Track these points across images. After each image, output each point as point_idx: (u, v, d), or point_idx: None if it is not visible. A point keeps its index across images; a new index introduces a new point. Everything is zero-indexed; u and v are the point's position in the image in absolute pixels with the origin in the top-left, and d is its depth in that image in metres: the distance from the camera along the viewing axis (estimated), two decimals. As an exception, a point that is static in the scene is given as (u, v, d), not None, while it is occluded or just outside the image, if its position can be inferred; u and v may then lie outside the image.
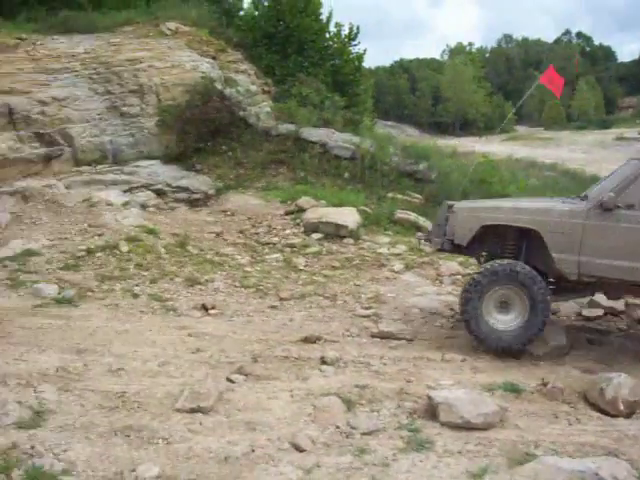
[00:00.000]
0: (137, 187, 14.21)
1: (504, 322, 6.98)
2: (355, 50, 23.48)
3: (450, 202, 7.85)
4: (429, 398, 5.47)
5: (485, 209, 7.45)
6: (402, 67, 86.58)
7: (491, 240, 7.48)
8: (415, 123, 73.41)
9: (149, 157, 15.42)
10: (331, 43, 22.98)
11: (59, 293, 8.45)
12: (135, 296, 8.56)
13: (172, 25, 18.98)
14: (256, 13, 23.62)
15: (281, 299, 8.85)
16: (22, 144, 14.12)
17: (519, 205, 7.42)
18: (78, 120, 15.19)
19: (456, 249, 7.68)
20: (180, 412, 5.24)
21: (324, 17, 23.18)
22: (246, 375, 6.09)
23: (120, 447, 4.69)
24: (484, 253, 7.82)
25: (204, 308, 8.21)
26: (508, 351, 6.91)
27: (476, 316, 6.94)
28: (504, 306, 7.03)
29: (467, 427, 5.14)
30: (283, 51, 21.38)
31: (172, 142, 15.57)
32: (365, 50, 23.49)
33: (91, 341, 6.86)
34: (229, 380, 5.95)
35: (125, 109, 15.82)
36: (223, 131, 15.78)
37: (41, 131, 14.52)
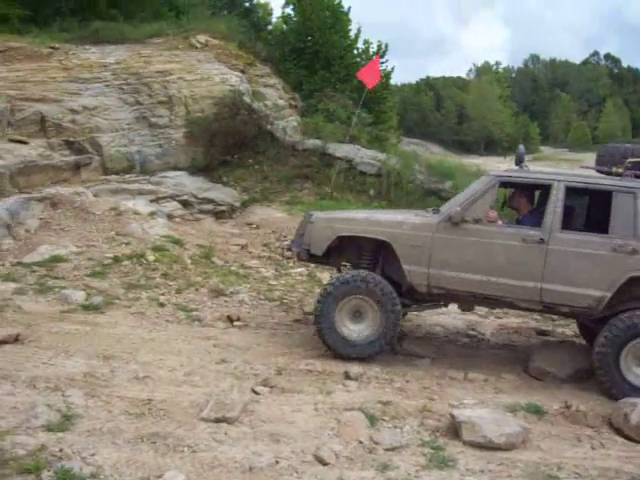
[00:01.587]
0: (163, 197, 14.34)
1: (357, 331, 7.11)
2: (383, 67, 23.64)
3: (311, 211, 7.92)
4: (452, 416, 5.50)
5: (340, 220, 7.48)
6: (428, 85, 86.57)
7: (350, 250, 7.58)
8: (439, 141, 73.26)
9: (176, 168, 15.61)
10: (359, 60, 23.13)
11: (86, 300, 8.53)
12: (161, 305, 8.65)
13: (202, 38, 19.24)
14: (284, 27, 23.87)
15: (305, 313, 8.90)
16: (52, 152, 14.34)
17: (373, 217, 7.44)
18: (107, 129, 15.42)
19: (314, 259, 7.74)
20: (205, 421, 5.30)
21: (353, 34, 23.40)
22: (271, 387, 6.14)
23: (146, 453, 4.75)
24: (345, 263, 7.90)
25: (229, 320, 8.27)
26: (361, 358, 7.02)
27: (328, 325, 7.05)
28: (358, 315, 7.15)
29: (489, 447, 5.16)
30: (311, 66, 21.59)
31: (199, 154, 15.75)
32: (393, 68, 23.70)
33: (118, 348, 6.94)
34: (254, 392, 6.01)
35: (154, 120, 16.04)
36: (250, 144, 15.93)
37: (71, 139, 14.76)
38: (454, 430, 5.40)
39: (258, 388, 6.08)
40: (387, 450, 5.10)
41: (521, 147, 7.57)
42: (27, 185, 13.22)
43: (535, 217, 7.09)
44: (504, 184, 7.35)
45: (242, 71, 18.39)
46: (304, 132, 17.15)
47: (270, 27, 27.43)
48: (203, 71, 17.28)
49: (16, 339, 6.92)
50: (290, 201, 14.93)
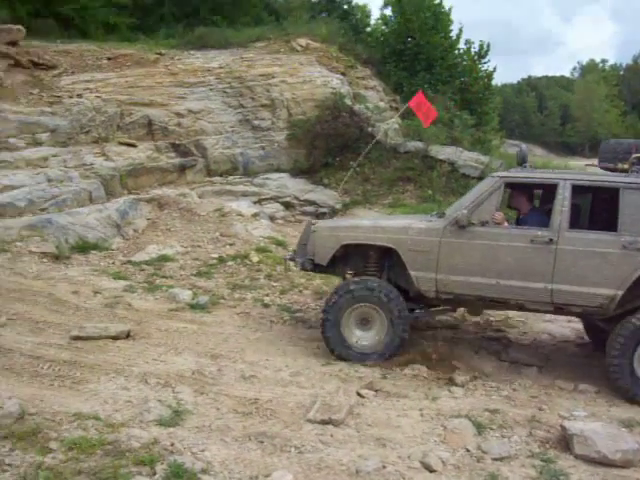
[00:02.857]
0: (266, 199, 14.61)
1: (366, 338, 7.05)
2: (484, 68, 23.23)
3: (314, 221, 7.78)
4: (563, 428, 5.31)
5: (344, 228, 7.41)
6: (530, 85, 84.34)
7: (355, 259, 7.43)
8: (542, 143, 71.23)
9: (278, 170, 15.85)
10: (460, 60, 22.80)
11: (193, 299, 8.75)
12: (265, 306, 8.77)
13: (302, 41, 19.44)
14: (383, 28, 23.80)
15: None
16: (159, 154, 14.85)
17: (377, 224, 7.33)
18: (212, 132, 15.83)
19: (318, 268, 7.58)
20: (311, 422, 5.33)
21: (454, 34, 23.08)
22: (376, 391, 6.12)
23: (254, 452, 4.81)
24: (350, 272, 7.67)
25: (333, 321, 8.27)
26: (373, 365, 6.89)
27: (336, 336, 6.99)
28: (365, 323, 7.08)
29: (603, 463, 4.94)
30: (412, 68, 21.43)
31: (301, 156, 15.91)
32: (495, 68, 23.20)
33: (224, 347, 7.09)
34: (359, 394, 6.00)
35: (257, 122, 16.34)
36: (351, 146, 15.94)
37: (177, 142, 15.25)
38: (565, 443, 5.21)
39: (363, 391, 6.07)
40: (495, 460, 4.98)
41: (523, 146, 7.48)
42: (135, 186, 13.75)
43: (537, 216, 7.00)
44: (509, 185, 7.18)
45: (343, 73, 18.47)
46: (405, 134, 17.02)
47: (369, 29, 27.39)
48: (305, 74, 17.46)
49: (127, 335, 7.19)
50: (392, 204, 14.86)
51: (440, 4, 22.83)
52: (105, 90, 15.34)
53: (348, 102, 16.72)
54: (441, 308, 7.50)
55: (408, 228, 7.03)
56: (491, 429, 5.49)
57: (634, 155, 7.01)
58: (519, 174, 7.15)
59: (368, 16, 28.68)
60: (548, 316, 8.87)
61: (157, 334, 7.38)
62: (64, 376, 5.91)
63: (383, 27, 24.54)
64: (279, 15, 25.68)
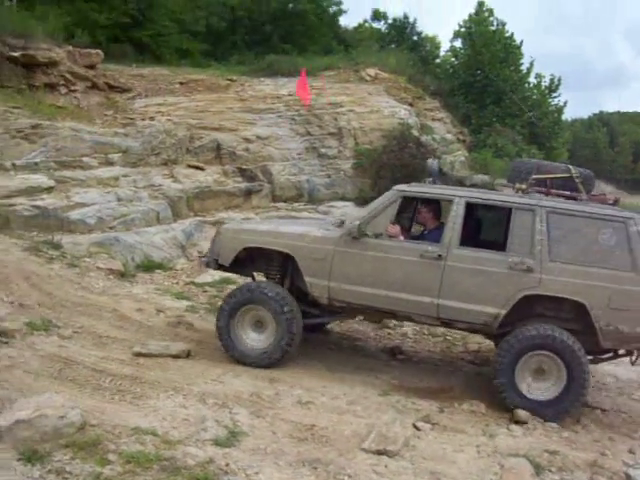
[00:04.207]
0: (330, 226, 14.64)
1: (257, 340, 7.18)
2: (555, 102, 22.99)
3: (226, 221, 7.73)
4: (627, 476, 5.14)
5: (246, 231, 7.55)
6: (601, 120, 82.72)
7: (260, 261, 7.56)
8: (611, 179, 69.67)
9: (343, 198, 15.94)
10: (530, 94, 22.63)
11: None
12: (325, 333, 8.76)
13: (372, 71, 19.64)
14: (453, 60, 23.83)
15: (468, 351, 8.70)
16: (226, 178, 15.13)
17: (277, 229, 7.44)
18: (278, 158, 16.05)
19: (224, 268, 7.73)
20: (366, 452, 5.27)
21: (524, 67, 22.96)
22: (432, 424, 6.03)
23: (307, 478, 4.78)
24: (259, 273, 7.82)
25: (392, 352, 8.24)
26: (266, 367, 7.04)
27: (228, 336, 7.17)
28: (259, 325, 7.22)
29: (668, 513, 4.77)
30: (480, 100, 21.37)
31: (366, 185, 15.96)
32: (565, 102, 22.96)
33: (282, 372, 7.07)
34: (415, 427, 5.92)
35: (323, 150, 16.51)
36: (417, 178, 15.87)
37: (244, 167, 15.52)
38: (628, 490, 5.05)
39: (419, 424, 5.98)
40: (554, 502, 4.86)
41: (429, 161, 7.50)
42: (201, 209, 14.01)
43: (438, 233, 6.98)
44: (407, 199, 7.27)
45: (411, 104, 18.55)
46: (472, 167, 16.95)
47: (438, 61, 27.49)
48: (373, 104, 17.61)
49: (188, 355, 7.27)
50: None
51: (511, 37, 22.78)
52: (176, 114, 15.76)
53: (415, 133, 16.74)
54: (340, 314, 7.60)
55: (305, 235, 7.19)
56: (550, 471, 5.34)
57: (533, 176, 7.09)
58: (416, 188, 7.31)
59: (438, 48, 28.84)
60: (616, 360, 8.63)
61: (217, 355, 7.43)
62: (125, 391, 6.01)
63: (452, 59, 24.60)
64: (349, 45, 26.01)
